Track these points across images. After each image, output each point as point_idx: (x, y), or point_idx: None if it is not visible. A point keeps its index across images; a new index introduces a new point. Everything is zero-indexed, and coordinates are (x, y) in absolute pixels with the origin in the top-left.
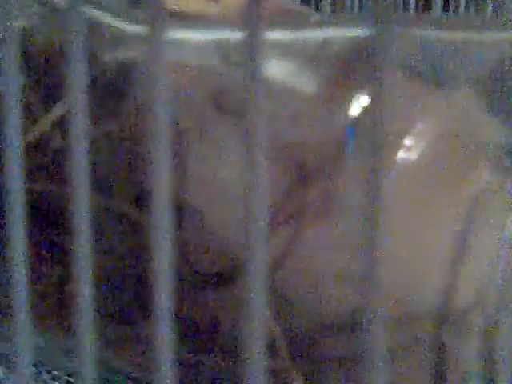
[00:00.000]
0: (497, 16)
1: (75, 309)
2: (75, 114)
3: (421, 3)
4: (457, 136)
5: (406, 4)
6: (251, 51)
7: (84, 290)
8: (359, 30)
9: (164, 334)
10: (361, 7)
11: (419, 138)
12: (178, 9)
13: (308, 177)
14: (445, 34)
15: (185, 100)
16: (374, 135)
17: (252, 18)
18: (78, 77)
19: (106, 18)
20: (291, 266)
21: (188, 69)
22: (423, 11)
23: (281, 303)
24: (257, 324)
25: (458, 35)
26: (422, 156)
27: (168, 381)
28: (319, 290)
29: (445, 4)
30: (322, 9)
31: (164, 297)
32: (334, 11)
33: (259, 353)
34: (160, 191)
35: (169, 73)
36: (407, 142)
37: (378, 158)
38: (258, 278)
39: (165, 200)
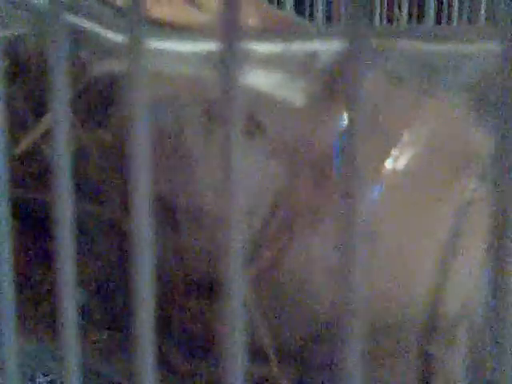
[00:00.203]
0: (490, 25)
1: (60, 315)
2: (57, 122)
3: (414, 11)
4: (444, 145)
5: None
6: (228, 60)
7: (68, 298)
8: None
9: (145, 339)
10: None
11: (406, 147)
12: (163, 18)
13: (302, 183)
14: (434, 45)
15: (178, 109)
16: (353, 149)
17: (228, 27)
18: (59, 85)
19: (95, 28)
20: (283, 272)
21: (179, 79)
22: (416, 20)
23: (271, 310)
24: (237, 333)
25: (448, 45)
26: (409, 166)
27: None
28: (310, 296)
29: (438, 13)
30: (316, 19)
31: (145, 302)
32: (328, 20)
33: (240, 359)
34: (140, 196)
35: (160, 82)
36: (394, 151)
37: (358, 171)
38: (237, 286)
39: (145, 206)
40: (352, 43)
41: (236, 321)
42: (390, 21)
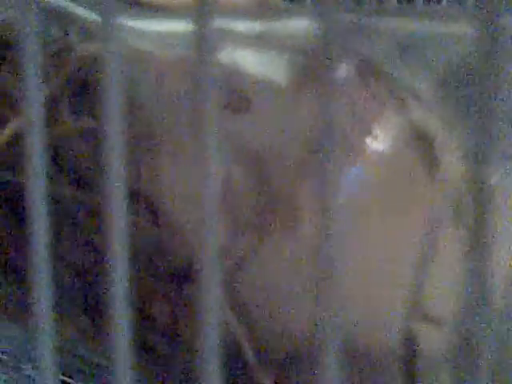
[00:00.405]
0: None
1: (32, 297)
2: (29, 107)
3: None
4: (422, 135)
5: None
6: (201, 40)
7: (41, 280)
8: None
9: (120, 321)
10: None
11: (384, 135)
12: None
13: (274, 183)
14: (413, 24)
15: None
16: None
17: (201, 7)
18: (31, 69)
19: (79, 10)
20: (252, 279)
21: (160, 60)
22: (407, 1)
23: (246, 313)
24: (212, 322)
25: (427, 25)
26: (386, 150)
27: (125, 365)
28: (279, 306)
29: None
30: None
31: (120, 285)
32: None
33: (214, 350)
34: (113, 183)
35: (143, 64)
36: (371, 139)
37: (333, 158)
38: (213, 277)
39: (119, 191)
40: (321, 22)
41: (210, 312)
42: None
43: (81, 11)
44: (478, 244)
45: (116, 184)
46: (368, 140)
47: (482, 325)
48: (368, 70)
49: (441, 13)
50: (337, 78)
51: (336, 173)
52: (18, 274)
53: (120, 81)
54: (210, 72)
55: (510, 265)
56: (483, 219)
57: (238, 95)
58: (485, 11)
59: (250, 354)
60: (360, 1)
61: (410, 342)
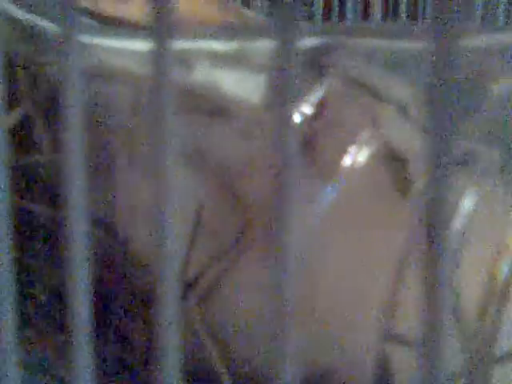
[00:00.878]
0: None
1: None
2: None
3: (389, 7)
4: (399, 157)
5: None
6: (158, 60)
7: (3, 293)
8: (308, 40)
9: (82, 341)
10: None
11: (362, 148)
12: (127, 18)
13: (247, 209)
14: (390, 43)
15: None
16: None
17: (159, 25)
18: None
19: (44, 23)
20: (227, 301)
21: (130, 77)
22: (392, 18)
23: (220, 334)
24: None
25: (407, 43)
26: (364, 168)
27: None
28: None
29: (413, 10)
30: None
31: (81, 304)
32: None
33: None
34: (75, 200)
35: (114, 82)
36: (350, 153)
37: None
38: (171, 300)
39: (80, 209)
40: (278, 42)
41: (169, 336)
42: (365, 14)
43: (55, 28)
44: (435, 263)
45: (77, 204)
46: (344, 158)
47: (444, 344)
48: (352, 87)
49: (425, 29)
50: (318, 95)
51: (303, 191)
52: None
53: (80, 98)
54: (168, 90)
55: (484, 283)
56: (441, 237)
57: (214, 106)
58: (442, 29)
59: (225, 379)
60: (344, 17)
61: (382, 365)
